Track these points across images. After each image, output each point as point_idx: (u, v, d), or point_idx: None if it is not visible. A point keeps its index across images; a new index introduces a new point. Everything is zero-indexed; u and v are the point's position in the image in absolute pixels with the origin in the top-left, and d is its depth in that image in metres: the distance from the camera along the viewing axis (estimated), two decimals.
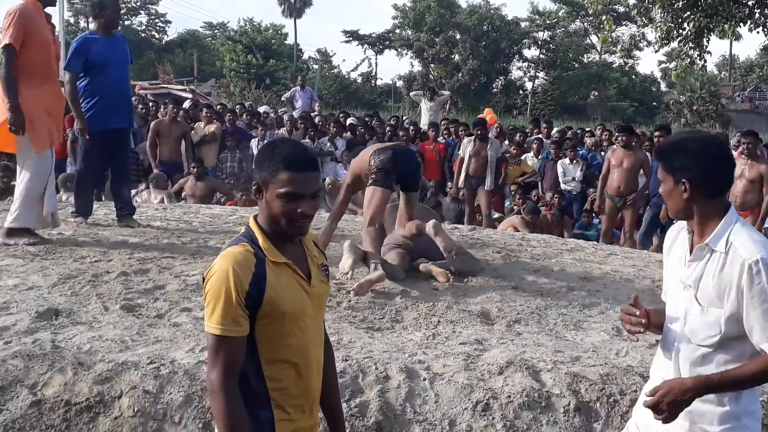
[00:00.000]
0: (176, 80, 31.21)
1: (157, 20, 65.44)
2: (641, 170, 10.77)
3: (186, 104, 17.55)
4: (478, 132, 12.61)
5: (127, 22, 63.25)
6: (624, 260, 7.39)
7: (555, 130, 17.23)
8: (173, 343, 4.33)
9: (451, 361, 4.37)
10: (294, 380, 2.59)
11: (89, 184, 7.68)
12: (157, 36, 65.55)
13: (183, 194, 12.31)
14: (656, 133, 11.83)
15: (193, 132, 13.62)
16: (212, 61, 59.77)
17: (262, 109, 19.94)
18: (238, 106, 18.56)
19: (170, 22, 65.26)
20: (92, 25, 7.43)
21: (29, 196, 6.36)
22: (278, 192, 2.51)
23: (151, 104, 16.73)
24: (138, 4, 63.48)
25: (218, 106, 18.19)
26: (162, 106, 15.11)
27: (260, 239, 2.56)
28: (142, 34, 62.72)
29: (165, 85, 24.79)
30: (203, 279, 2.52)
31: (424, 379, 4.14)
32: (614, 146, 11.46)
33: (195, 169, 12.34)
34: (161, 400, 3.81)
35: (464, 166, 12.50)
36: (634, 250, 8.91)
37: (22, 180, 6.40)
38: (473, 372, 4.24)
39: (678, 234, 3.01)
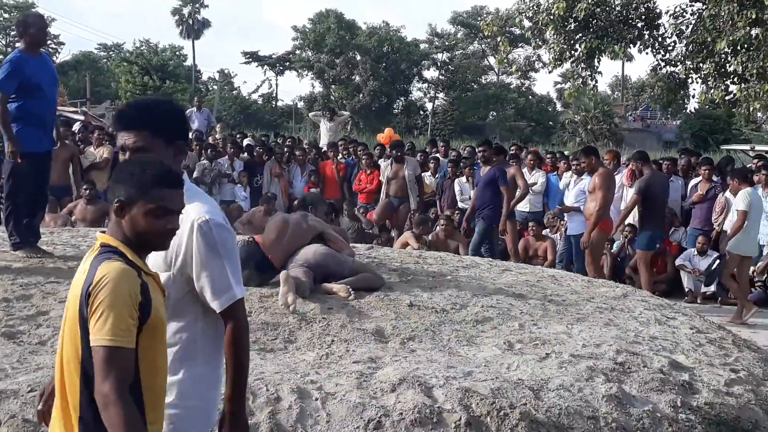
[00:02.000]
0: (70, 102, 30.38)
1: (50, 42, 63.85)
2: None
3: (75, 126, 17.11)
4: (396, 153, 12.74)
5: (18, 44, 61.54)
6: (518, 276, 7.49)
7: (468, 146, 17.50)
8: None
9: (344, 380, 4.33)
10: (161, 386, 2.63)
11: (26, 210, 7.08)
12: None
13: (73, 218, 11.96)
14: (479, 148, 12.14)
15: (82, 155, 13.28)
16: (107, 82, 58.63)
17: None
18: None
19: (63, 44, 63.64)
20: (18, 44, 7.09)
21: None
22: (149, 208, 2.54)
23: None
24: None
25: (110, 128, 17.78)
26: None
27: (128, 254, 2.56)
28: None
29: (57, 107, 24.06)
30: (87, 293, 2.45)
31: (316, 399, 4.09)
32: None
33: (87, 191, 12.02)
34: (42, 429, 3.66)
35: (383, 188, 12.67)
36: (528, 265, 9.06)
37: None
38: (366, 390, 4.21)
39: None
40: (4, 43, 61.98)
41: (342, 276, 6.35)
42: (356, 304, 5.84)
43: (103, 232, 2.67)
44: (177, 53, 60.05)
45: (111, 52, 67.33)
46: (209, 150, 14.75)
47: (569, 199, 11.59)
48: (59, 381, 2.57)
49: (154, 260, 2.79)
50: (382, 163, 13.38)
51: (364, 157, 14.40)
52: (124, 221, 2.57)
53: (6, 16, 61.84)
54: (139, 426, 2.41)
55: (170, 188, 2.59)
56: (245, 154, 15.20)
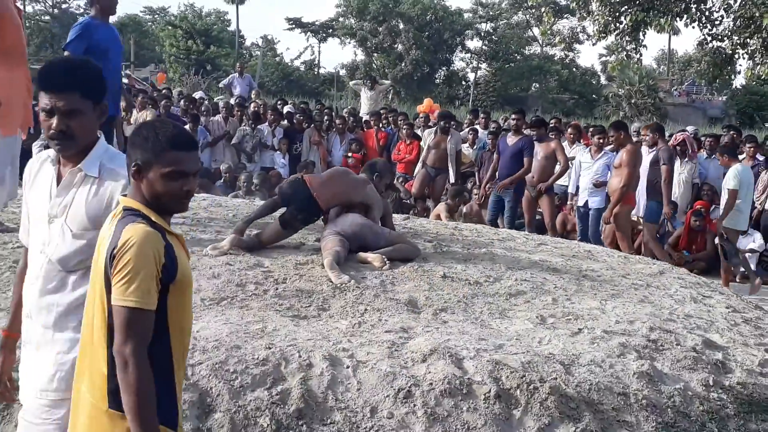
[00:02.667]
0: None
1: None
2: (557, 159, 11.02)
3: None
4: (444, 125, 12.67)
5: (64, 5, 62.06)
6: (553, 250, 7.47)
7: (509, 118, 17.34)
8: None
9: (376, 348, 4.37)
10: (187, 345, 2.72)
11: None
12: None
13: None
14: (513, 116, 11.96)
15: (125, 119, 13.40)
16: (152, 46, 58.91)
17: (197, 95, 19.70)
18: (176, 92, 18.32)
19: None
20: (91, 11, 7.20)
21: None
22: (164, 171, 2.58)
23: None
24: None
25: (163, 90, 17.96)
26: None
27: (151, 216, 2.60)
28: (81, 17, 61.53)
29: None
30: (111, 255, 2.51)
31: (348, 367, 4.13)
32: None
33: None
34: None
35: (423, 155, 12.61)
36: (564, 240, 9.02)
37: None
38: (397, 360, 4.25)
39: (41, 166, 3.07)
40: (50, 3, 62.42)
41: (378, 247, 6.42)
42: (390, 274, 5.87)
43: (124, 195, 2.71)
44: (221, 18, 60.10)
45: (156, 16, 67.62)
46: (250, 116, 14.84)
47: (589, 175, 11.51)
48: (88, 341, 2.63)
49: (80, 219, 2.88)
50: (424, 132, 13.31)
51: (404, 127, 14.37)
52: (143, 184, 2.61)
53: None
54: (151, 389, 2.46)
55: (184, 151, 2.62)
56: (285, 121, 15.25)
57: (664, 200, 10.61)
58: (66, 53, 6.87)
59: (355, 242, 6.39)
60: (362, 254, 6.22)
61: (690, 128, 16.65)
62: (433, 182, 12.63)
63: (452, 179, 12.55)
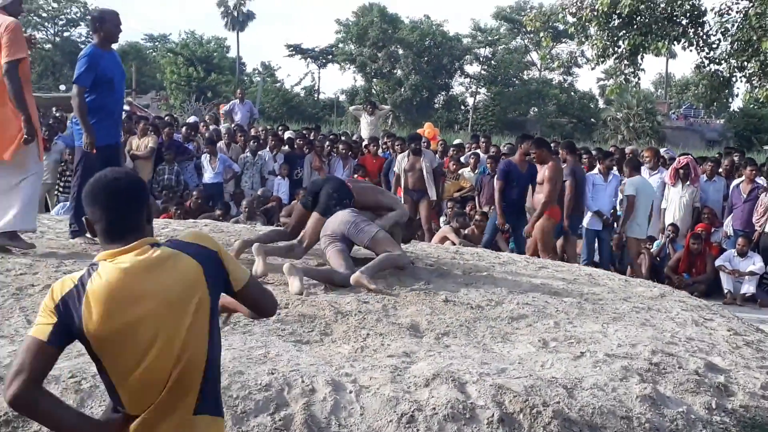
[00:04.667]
0: None
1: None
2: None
3: None
4: (414, 146, 12.62)
5: (66, 33, 62.40)
6: (554, 273, 7.49)
7: (508, 143, 17.38)
8: None
9: (378, 373, 4.38)
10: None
11: None
12: None
13: None
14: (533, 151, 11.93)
15: (127, 144, 13.47)
16: (153, 73, 59.23)
17: (191, 119, 19.74)
18: (167, 118, 18.37)
19: None
20: (93, 39, 7.33)
21: (32, 201, 6.79)
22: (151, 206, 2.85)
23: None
24: (78, 15, 62.63)
25: (166, 117, 18.04)
26: None
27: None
28: (82, 46, 61.81)
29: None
30: (208, 252, 2.67)
31: (350, 392, 4.14)
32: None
33: None
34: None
35: (402, 181, 12.50)
36: (565, 263, 9.03)
37: (24, 186, 6.65)
38: (399, 384, 4.25)
39: None
40: (52, 32, 62.82)
41: (362, 244, 6.72)
42: (391, 299, 5.88)
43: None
44: (221, 45, 60.52)
45: (157, 43, 68.01)
46: (251, 142, 14.90)
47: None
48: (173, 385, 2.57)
49: None
50: (397, 157, 13.21)
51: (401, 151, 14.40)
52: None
53: (55, 5, 62.73)
54: None
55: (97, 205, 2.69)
56: (286, 147, 15.31)
57: (564, 213, 10.90)
58: (75, 87, 7.05)
59: (345, 241, 6.66)
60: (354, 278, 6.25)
61: (663, 150, 16.63)
62: (417, 206, 12.49)
63: (432, 197, 12.47)
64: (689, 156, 13.84)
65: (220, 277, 2.65)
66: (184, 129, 15.71)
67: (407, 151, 12.66)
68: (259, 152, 14.70)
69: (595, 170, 12.19)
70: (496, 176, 11.22)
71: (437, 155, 14.13)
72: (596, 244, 11.75)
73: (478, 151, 15.60)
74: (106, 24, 7.15)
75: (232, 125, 17.64)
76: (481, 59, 61.82)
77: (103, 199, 2.61)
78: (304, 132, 17.85)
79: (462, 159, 15.02)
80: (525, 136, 11.68)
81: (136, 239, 2.60)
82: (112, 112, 7.29)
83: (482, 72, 61.93)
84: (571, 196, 11.06)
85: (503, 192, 10.72)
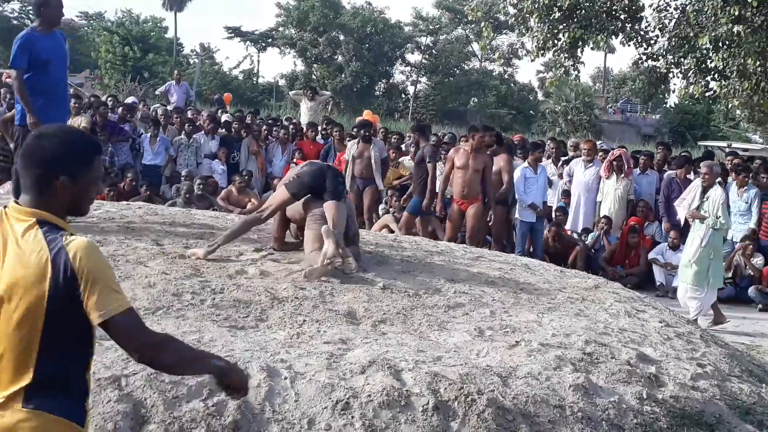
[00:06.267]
0: None
1: (29, 7, 62.72)
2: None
3: None
4: (363, 133, 12.56)
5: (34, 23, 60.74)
6: (491, 263, 7.52)
7: (450, 132, 17.42)
8: None
9: (314, 360, 4.34)
10: None
11: None
12: (29, 23, 62.69)
13: None
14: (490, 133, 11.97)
15: None
16: (87, 51, 57.96)
17: (128, 100, 19.40)
18: (110, 99, 18.00)
19: None
20: (34, 22, 7.37)
21: None
22: (94, 176, 2.64)
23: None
24: None
25: (91, 98, 17.62)
26: None
27: (66, 228, 2.58)
28: (15, 22, 60.13)
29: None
30: (70, 266, 2.46)
31: (285, 378, 4.10)
32: (458, 146, 11.64)
33: None
34: None
35: (349, 168, 12.41)
36: (502, 253, 9.08)
37: None
38: (335, 371, 4.22)
39: None
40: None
41: (346, 237, 6.56)
42: (329, 285, 5.84)
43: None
44: (158, 25, 59.35)
45: (92, 21, 66.58)
46: (187, 125, 14.68)
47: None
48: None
49: None
50: (348, 143, 13.16)
51: (339, 138, 14.38)
52: (64, 193, 2.60)
53: None
54: (193, 349, 2.78)
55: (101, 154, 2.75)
56: (223, 130, 15.13)
57: (427, 195, 11.17)
58: (11, 69, 7.14)
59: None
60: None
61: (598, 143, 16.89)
62: (362, 194, 12.45)
63: (380, 186, 12.48)
64: (623, 149, 14.05)
65: (67, 297, 2.47)
66: (120, 109, 15.37)
67: (357, 138, 12.61)
68: (195, 135, 14.48)
69: (525, 163, 12.28)
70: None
71: None
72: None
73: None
74: (50, 8, 7.18)
75: (168, 106, 17.38)
76: (423, 48, 61.84)
77: (23, 153, 2.60)
78: (239, 115, 17.66)
79: (402, 147, 15.01)
80: (485, 127, 11.80)
81: (38, 206, 2.55)
82: (49, 92, 7.22)
83: (423, 61, 61.98)
84: (431, 178, 11.26)
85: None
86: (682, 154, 15.43)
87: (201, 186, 12.42)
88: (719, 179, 10.47)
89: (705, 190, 9.87)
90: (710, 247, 9.80)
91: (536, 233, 11.98)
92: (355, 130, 13.38)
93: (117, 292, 2.50)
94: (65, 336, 2.51)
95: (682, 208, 10.37)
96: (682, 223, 10.63)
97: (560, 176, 13.79)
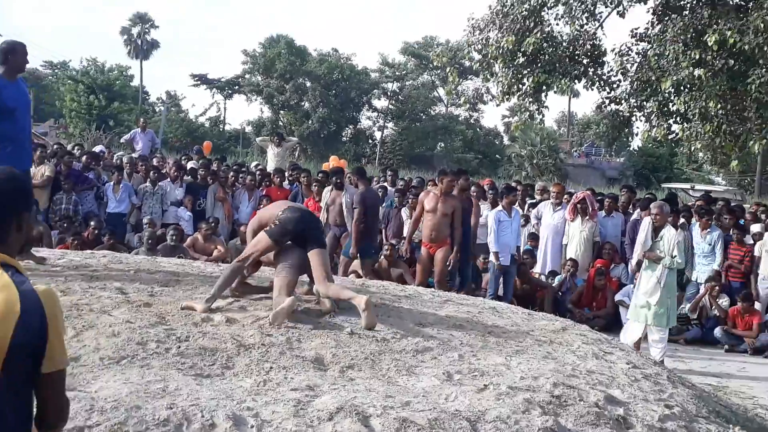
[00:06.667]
0: None
1: None
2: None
3: None
4: (336, 180, 12.63)
5: None
6: (458, 306, 7.51)
7: (417, 177, 17.51)
8: None
9: (281, 407, 4.29)
10: None
11: None
12: None
13: None
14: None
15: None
16: (51, 100, 57.76)
17: (97, 148, 19.31)
18: (76, 148, 17.91)
19: None
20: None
21: None
22: (29, 216, 2.65)
23: None
24: None
25: (55, 146, 17.52)
26: None
27: (24, 272, 2.58)
28: None
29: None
30: (40, 312, 2.45)
31: (252, 427, 4.04)
32: (428, 190, 11.71)
33: None
34: None
35: (323, 215, 12.44)
36: (469, 296, 9.09)
37: None
38: (303, 418, 4.17)
39: None
40: None
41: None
42: (296, 331, 5.80)
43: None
44: (124, 73, 59.37)
45: (56, 70, 66.46)
46: (152, 172, 14.61)
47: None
48: None
49: None
50: (323, 190, 13.23)
51: (306, 183, 14.43)
52: (17, 236, 2.60)
53: None
54: None
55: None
56: (189, 177, 15.08)
57: (353, 239, 11.54)
58: None
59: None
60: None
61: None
62: (339, 240, 12.55)
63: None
64: (586, 191, 14.20)
65: (32, 341, 2.43)
66: (84, 158, 15.28)
67: (331, 186, 12.69)
68: (160, 183, 14.41)
69: (499, 206, 12.35)
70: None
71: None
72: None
73: (385, 184, 15.67)
74: (16, 55, 7.20)
75: (133, 154, 17.31)
76: (389, 94, 62.40)
77: None
78: (205, 162, 17.62)
79: None
80: (460, 171, 11.95)
81: None
82: (16, 139, 7.20)
83: (390, 106, 62.51)
84: (360, 221, 11.47)
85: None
86: (646, 196, 15.60)
87: (173, 236, 12.31)
88: (681, 220, 10.60)
89: (657, 231, 9.96)
90: (668, 286, 9.87)
91: (508, 276, 12.03)
92: (320, 175, 13.42)
93: (65, 347, 2.56)
94: (17, 382, 2.45)
95: (635, 249, 10.46)
96: (634, 263, 10.70)
97: (527, 219, 13.88)
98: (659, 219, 9.94)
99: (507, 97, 17.23)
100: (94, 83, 52.75)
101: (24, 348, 2.42)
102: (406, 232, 13.33)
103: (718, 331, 11.90)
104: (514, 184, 16.53)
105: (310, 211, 7.56)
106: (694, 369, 10.02)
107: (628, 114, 17.43)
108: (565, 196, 13.94)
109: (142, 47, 68.62)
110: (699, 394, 6.04)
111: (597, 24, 17.01)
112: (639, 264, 10.13)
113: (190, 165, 16.51)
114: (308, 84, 57.76)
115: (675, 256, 9.77)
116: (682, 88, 15.14)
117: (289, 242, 6.62)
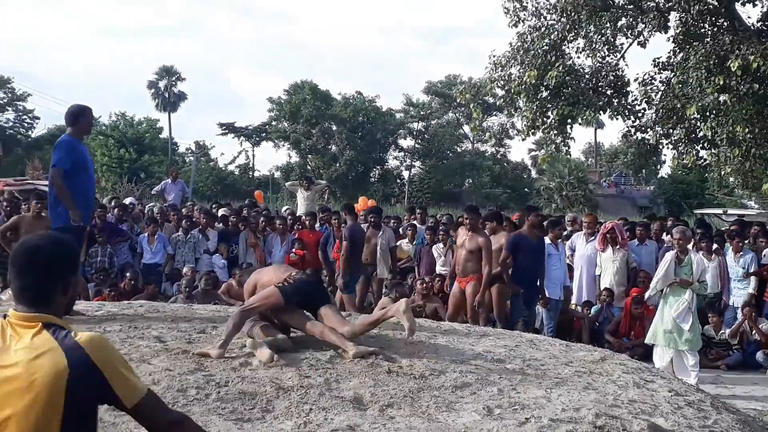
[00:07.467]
0: (44, 176, 30.29)
1: (24, 116, 63.52)
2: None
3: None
4: (372, 219, 12.73)
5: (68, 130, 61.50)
6: (496, 341, 7.48)
7: (446, 214, 17.53)
8: None
9: None
10: None
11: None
12: (23, 132, 63.17)
13: None
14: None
15: None
16: None
17: (127, 200, 19.54)
18: (113, 201, 18.13)
19: (38, 118, 63.30)
20: (69, 130, 7.87)
21: None
22: (76, 281, 2.74)
23: (15, 201, 16.11)
24: (5, 100, 61.79)
25: (112, 201, 17.79)
26: (24, 203, 14.64)
27: (69, 327, 2.62)
28: (9, 131, 60.88)
29: (31, 181, 23.80)
30: (87, 360, 2.50)
31: None
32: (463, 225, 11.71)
33: None
34: None
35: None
36: (506, 331, 9.04)
37: None
38: None
39: None
40: None
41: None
42: (333, 372, 5.80)
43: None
44: (153, 126, 60.14)
45: None
46: (184, 221, 14.75)
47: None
48: None
49: None
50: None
51: (338, 225, 14.46)
52: (64, 298, 2.70)
53: None
54: None
55: None
56: (220, 224, 15.19)
57: (341, 271, 11.98)
58: (54, 170, 7.59)
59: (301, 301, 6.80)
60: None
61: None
62: (370, 281, 12.59)
63: (384, 274, 12.56)
64: (614, 221, 14.13)
65: (95, 389, 2.52)
66: (116, 210, 15.46)
67: (367, 225, 12.78)
68: (192, 231, 14.54)
69: (547, 240, 12.24)
70: (504, 247, 11.18)
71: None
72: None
73: (415, 222, 15.69)
74: (86, 118, 7.82)
75: (164, 204, 17.50)
76: (415, 133, 62.69)
77: (18, 262, 2.61)
78: (237, 208, 17.77)
79: (400, 230, 15.10)
80: (530, 208, 12.01)
81: (40, 310, 2.58)
82: (87, 196, 7.82)
83: (416, 146, 62.75)
84: (347, 255, 11.80)
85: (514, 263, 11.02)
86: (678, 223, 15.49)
87: (207, 282, 12.41)
88: (715, 245, 10.52)
89: (680, 256, 9.92)
90: (695, 311, 9.91)
91: (555, 311, 12.06)
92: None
93: (135, 376, 2.62)
94: (80, 426, 2.51)
95: (654, 281, 10.41)
96: (651, 293, 10.68)
97: None
98: (682, 243, 9.93)
99: (532, 131, 17.25)
100: (124, 137, 53.49)
101: (84, 400, 2.51)
102: (438, 268, 13.35)
103: (760, 355, 11.73)
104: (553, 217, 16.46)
105: (319, 281, 7.95)
106: (737, 394, 9.87)
107: (654, 142, 17.37)
108: (598, 226, 13.87)
109: (170, 100, 69.55)
110: (744, 419, 5.95)
111: (618, 55, 17.05)
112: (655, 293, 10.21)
113: (221, 212, 16.65)
114: (334, 128, 58.19)
115: (704, 281, 9.76)
116: (708, 113, 15.09)
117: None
